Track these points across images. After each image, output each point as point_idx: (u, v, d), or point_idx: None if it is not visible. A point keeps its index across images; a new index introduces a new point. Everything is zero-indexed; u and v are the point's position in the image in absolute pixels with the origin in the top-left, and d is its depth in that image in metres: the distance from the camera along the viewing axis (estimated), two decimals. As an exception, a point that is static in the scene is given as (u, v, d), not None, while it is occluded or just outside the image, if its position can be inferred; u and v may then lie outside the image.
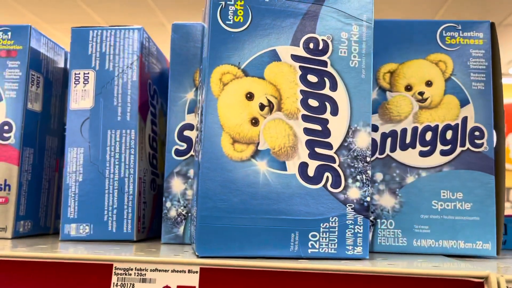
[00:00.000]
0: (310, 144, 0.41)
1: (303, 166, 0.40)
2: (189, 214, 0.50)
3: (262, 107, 0.40)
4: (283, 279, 0.37)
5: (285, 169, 0.40)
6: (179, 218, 0.51)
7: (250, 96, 0.40)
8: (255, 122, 0.40)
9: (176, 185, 0.51)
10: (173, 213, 0.51)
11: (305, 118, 0.41)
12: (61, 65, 0.62)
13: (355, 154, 0.41)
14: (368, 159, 0.41)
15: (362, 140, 0.41)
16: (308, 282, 0.36)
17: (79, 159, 0.52)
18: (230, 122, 0.40)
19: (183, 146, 0.51)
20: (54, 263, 0.38)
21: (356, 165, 0.41)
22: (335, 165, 0.41)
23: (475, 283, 0.35)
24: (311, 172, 0.40)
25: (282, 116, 0.40)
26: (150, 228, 0.56)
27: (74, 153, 0.52)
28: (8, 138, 0.53)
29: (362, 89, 0.42)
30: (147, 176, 0.55)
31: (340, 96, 0.41)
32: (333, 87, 0.41)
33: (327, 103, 0.41)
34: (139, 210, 0.52)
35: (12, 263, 0.39)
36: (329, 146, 0.41)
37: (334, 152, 0.41)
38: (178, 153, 0.52)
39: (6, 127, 0.53)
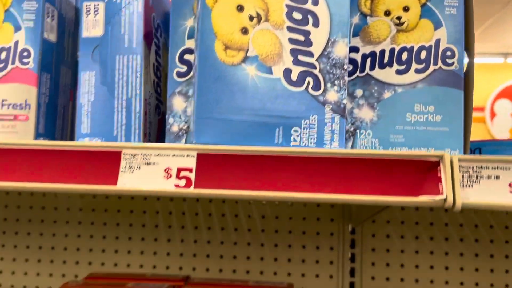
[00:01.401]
0: (293, 52, 0.46)
1: (287, 71, 0.46)
2: (190, 129, 0.56)
3: (251, 18, 0.46)
4: (269, 162, 0.42)
5: (271, 73, 0.46)
6: (180, 133, 0.57)
7: (240, 8, 0.45)
8: (245, 31, 0.45)
9: (178, 103, 0.57)
10: (175, 128, 0.57)
11: (289, 29, 0.46)
12: (73, 3, 0.68)
13: (333, 62, 0.46)
14: (345, 66, 0.47)
15: (340, 50, 0.46)
16: (291, 164, 0.42)
17: (91, 81, 0.58)
18: (223, 30, 0.45)
19: (184, 68, 0.57)
20: (71, 151, 0.45)
21: (334, 72, 0.46)
22: (316, 71, 0.46)
23: (432, 162, 0.41)
24: (294, 76, 0.46)
25: (269, 27, 0.46)
26: (155, 148, 0.62)
27: (86, 76, 0.58)
28: (27, 63, 0.59)
29: (341, 5, 0.47)
30: (152, 99, 0.61)
31: (321, 10, 0.46)
32: (315, 2, 0.46)
33: (309, 16, 0.46)
34: (145, 127, 0.58)
35: (33, 152, 0.45)
36: (310, 54, 0.46)
37: (315, 60, 0.46)
38: (179, 74, 0.57)
39: (25, 53, 0.59)
